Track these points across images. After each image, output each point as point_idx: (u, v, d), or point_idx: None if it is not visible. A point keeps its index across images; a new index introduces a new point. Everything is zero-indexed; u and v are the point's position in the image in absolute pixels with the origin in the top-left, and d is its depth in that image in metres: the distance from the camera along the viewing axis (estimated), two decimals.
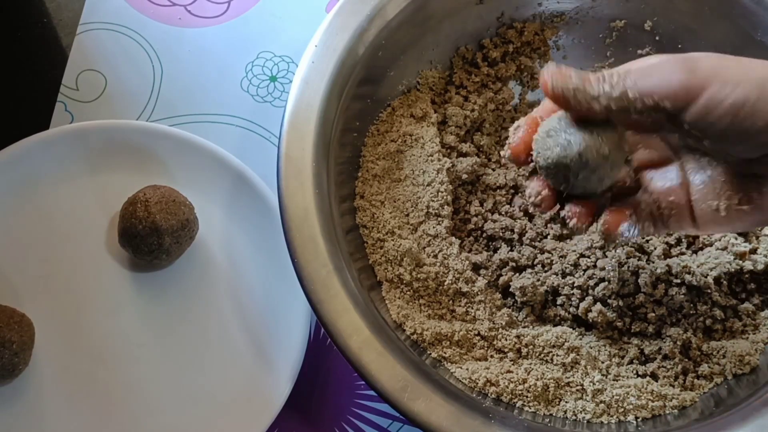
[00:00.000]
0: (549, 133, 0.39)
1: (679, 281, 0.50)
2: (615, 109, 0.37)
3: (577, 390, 0.47)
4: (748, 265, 0.51)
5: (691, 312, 0.50)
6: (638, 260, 0.51)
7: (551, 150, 0.39)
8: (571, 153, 0.38)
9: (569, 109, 0.39)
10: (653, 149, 0.43)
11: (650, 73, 0.37)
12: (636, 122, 0.41)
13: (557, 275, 0.52)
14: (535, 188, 0.41)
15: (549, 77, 0.38)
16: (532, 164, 0.41)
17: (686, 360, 0.49)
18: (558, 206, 0.42)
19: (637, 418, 0.46)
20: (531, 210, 0.54)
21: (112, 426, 0.52)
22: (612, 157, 0.38)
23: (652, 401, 0.47)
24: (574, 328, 0.50)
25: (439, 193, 0.52)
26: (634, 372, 0.49)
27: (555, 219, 0.42)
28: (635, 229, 0.41)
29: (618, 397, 0.47)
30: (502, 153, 0.43)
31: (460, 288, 0.50)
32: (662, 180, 0.42)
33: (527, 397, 0.47)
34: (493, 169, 0.57)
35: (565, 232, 0.44)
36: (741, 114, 0.35)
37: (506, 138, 0.42)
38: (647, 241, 0.53)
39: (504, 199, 0.55)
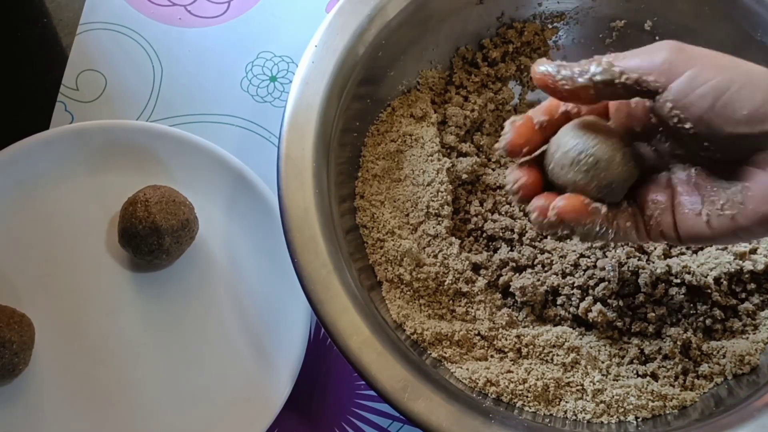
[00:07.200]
0: (575, 143, 0.40)
1: (679, 281, 0.50)
2: (599, 82, 0.38)
3: (577, 390, 0.47)
4: (748, 265, 0.51)
5: (691, 312, 0.50)
6: (638, 260, 0.51)
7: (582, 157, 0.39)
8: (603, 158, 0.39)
9: (555, 91, 0.39)
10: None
11: (637, 53, 0.38)
12: (630, 115, 0.41)
13: (557, 275, 0.52)
14: (514, 175, 0.42)
15: (536, 63, 0.40)
16: (525, 157, 0.41)
17: (686, 360, 0.49)
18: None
19: (637, 418, 0.46)
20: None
21: (111, 426, 0.52)
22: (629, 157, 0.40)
23: (652, 401, 0.47)
24: (574, 328, 0.50)
25: (439, 193, 0.52)
26: (634, 372, 0.49)
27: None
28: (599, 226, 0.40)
29: (618, 397, 0.47)
30: (495, 146, 0.43)
31: (460, 288, 0.50)
32: (649, 185, 0.41)
33: (527, 397, 0.47)
34: (493, 169, 0.57)
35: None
36: (723, 99, 0.35)
37: None
38: None
39: (504, 199, 0.55)
